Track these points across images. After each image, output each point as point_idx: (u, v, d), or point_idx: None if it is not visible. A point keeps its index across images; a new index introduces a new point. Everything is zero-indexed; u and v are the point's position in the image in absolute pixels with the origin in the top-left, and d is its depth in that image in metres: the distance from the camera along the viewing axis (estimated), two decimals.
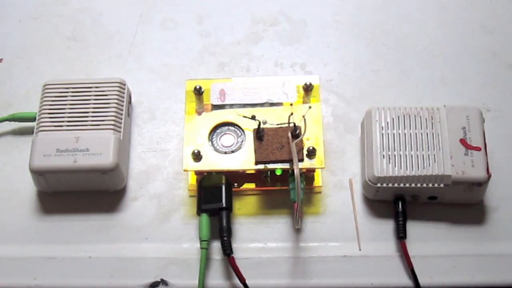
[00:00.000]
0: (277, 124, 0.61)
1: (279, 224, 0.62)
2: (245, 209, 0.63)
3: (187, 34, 0.75)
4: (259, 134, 0.61)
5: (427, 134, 0.61)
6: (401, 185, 0.60)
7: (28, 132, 0.66)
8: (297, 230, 0.61)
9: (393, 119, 0.62)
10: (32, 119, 0.65)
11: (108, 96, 0.64)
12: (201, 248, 0.59)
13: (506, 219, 0.62)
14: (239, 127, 0.63)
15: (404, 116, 0.62)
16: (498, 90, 0.70)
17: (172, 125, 0.68)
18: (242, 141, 0.62)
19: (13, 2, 0.78)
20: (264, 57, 0.73)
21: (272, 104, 0.64)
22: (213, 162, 0.61)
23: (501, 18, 0.76)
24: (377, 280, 0.59)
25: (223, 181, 0.61)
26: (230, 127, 0.63)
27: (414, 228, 0.61)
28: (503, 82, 0.71)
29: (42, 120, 0.63)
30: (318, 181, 0.64)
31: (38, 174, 0.61)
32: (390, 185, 0.60)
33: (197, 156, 0.61)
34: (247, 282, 0.57)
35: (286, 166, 0.60)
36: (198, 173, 0.62)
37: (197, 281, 0.57)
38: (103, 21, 0.76)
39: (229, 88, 0.65)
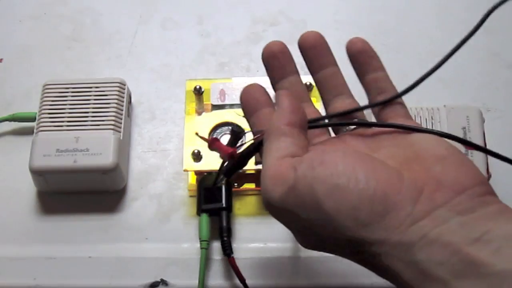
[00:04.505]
0: None
1: (279, 224, 0.62)
2: (245, 209, 0.63)
3: (187, 34, 0.75)
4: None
5: None
6: None
7: (28, 132, 0.66)
8: None
9: None
10: (32, 119, 0.65)
11: (108, 96, 0.64)
12: (201, 248, 0.59)
13: None
14: (239, 127, 0.62)
15: None
16: (498, 90, 0.70)
17: (172, 125, 0.68)
18: (242, 141, 0.62)
19: (13, 2, 0.78)
20: None
21: None
22: (213, 162, 0.61)
23: (501, 18, 0.76)
24: (377, 280, 0.59)
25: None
26: (230, 127, 0.63)
27: None
28: (503, 82, 0.71)
29: (42, 120, 0.63)
30: None
31: (38, 174, 0.61)
32: None
33: (197, 156, 0.60)
34: (247, 282, 0.57)
35: None
36: (198, 173, 0.62)
37: (197, 281, 0.57)
38: (103, 21, 0.76)
39: (229, 88, 0.65)
